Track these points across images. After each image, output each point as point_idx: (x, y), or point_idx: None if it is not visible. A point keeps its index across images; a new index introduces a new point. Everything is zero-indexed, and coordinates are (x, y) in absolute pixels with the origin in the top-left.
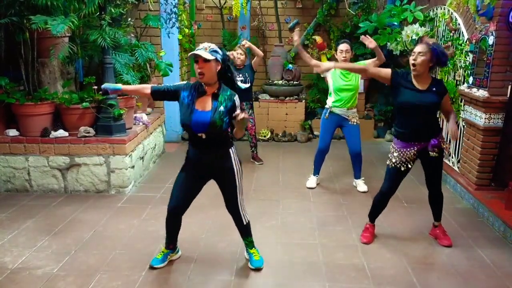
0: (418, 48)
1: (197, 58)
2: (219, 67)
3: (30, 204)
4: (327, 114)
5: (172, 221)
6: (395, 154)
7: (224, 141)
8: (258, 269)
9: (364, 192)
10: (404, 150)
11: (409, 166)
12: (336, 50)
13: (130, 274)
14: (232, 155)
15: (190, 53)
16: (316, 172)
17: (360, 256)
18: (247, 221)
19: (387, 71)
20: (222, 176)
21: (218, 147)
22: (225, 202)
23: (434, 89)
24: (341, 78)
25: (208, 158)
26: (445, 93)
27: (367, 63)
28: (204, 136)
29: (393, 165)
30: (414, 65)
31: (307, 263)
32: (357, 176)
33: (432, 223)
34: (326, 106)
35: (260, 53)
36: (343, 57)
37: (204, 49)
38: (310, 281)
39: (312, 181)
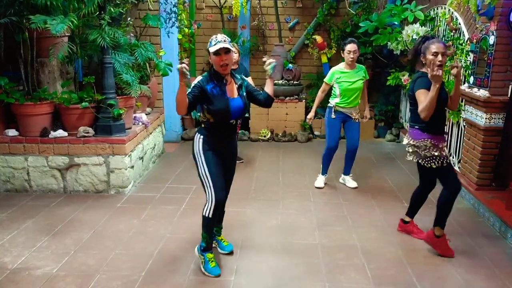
0: (441, 48)
1: (220, 51)
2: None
3: (29, 204)
4: (333, 113)
5: (219, 212)
6: (437, 153)
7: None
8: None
9: (354, 188)
10: (440, 144)
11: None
12: (342, 50)
13: (130, 274)
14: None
15: (217, 47)
16: (325, 171)
17: (360, 256)
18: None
19: (425, 93)
20: (233, 160)
21: (236, 132)
22: (226, 188)
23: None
24: (347, 81)
25: (231, 143)
26: None
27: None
28: (234, 122)
29: (445, 162)
30: (441, 65)
31: (307, 263)
32: (347, 173)
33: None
34: (330, 105)
35: None
36: (351, 58)
37: (224, 41)
38: (310, 281)
39: (320, 180)
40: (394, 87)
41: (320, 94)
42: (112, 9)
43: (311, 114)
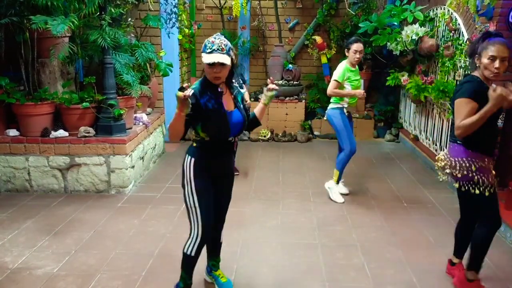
0: (501, 52)
1: (215, 63)
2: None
3: (30, 204)
4: (346, 113)
5: (211, 248)
6: (478, 176)
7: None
8: None
9: (341, 203)
10: (484, 164)
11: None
12: (347, 49)
13: (130, 274)
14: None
15: (212, 59)
16: (341, 178)
17: (360, 256)
18: (221, 240)
19: (473, 107)
20: (230, 183)
21: (233, 150)
22: (217, 215)
23: None
24: (355, 79)
25: (228, 164)
26: None
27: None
28: (232, 139)
29: (487, 191)
30: (497, 73)
31: (307, 263)
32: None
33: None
34: (340, 106)
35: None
36: (357, 58)
37: (221, 50)
38: (310, 281)
39: (340, 190)
40: (393, 87)
41: (336, 91)
42: (112, 10)
43: (358, 91)
